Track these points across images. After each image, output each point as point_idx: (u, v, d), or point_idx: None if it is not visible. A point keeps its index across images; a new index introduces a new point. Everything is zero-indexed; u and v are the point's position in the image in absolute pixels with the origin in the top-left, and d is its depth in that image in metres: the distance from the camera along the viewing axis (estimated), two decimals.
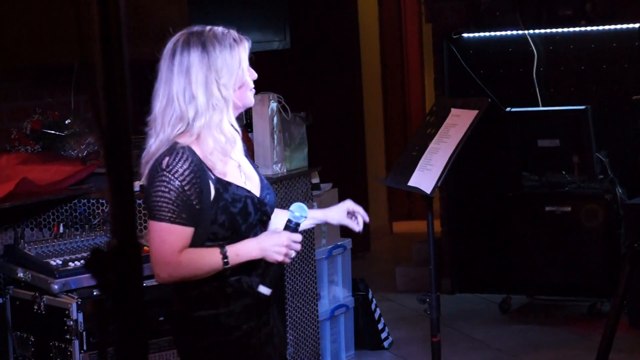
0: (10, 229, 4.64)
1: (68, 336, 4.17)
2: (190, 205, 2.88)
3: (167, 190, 2.87)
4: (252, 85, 3.04)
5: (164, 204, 2.87)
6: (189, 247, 2.91)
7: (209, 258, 2.90)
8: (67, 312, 4.17)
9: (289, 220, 2.99)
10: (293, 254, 2.97)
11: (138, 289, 1.53)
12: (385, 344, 6.02)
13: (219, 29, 2.99)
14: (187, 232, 2.89)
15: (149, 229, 2.94)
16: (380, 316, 6.04)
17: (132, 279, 1.52)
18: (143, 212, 4.31)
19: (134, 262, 1.53)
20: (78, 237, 4.52)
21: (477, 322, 6.43)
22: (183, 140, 2.92)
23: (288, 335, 5.24)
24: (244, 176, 3.04)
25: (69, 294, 4.20)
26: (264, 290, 2.95)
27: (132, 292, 1.53)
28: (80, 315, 4.15)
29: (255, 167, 3.15)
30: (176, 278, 2.92)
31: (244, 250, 2.92)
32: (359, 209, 3.24)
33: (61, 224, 4.60)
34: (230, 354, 2.98)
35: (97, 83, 1.49)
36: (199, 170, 2.90)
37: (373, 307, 6.00)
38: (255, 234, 2.99)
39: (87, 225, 4.60)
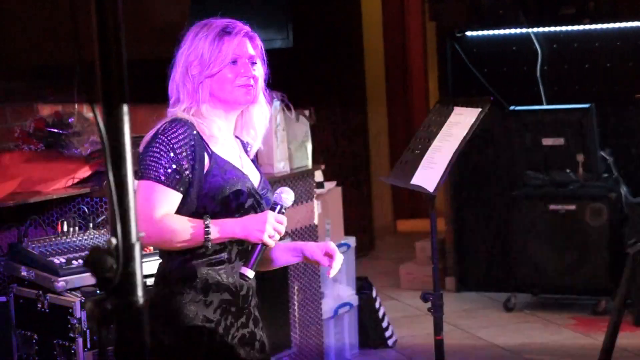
0: (13, 227, 4.64)
1: (72, 334, 4.17)
2: (180, 171, 2.88)
3: (158, 151, 2.87)
4: (240, 82, 2.97)
5: (154, 164, 2.87)
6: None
7: (191, 227, 2.85)
8: (70, 310, 4.17)
9: (275, 203, 2.95)
10: (277, 236, 2.92)
11: (138, 287, 1.53)
12: (390, 342, 6.02)
13: (222, 21, 3.01)
14: (172, 195, 2.87)
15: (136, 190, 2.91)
16: (384, 314, 6.03)
17: (132, 277, 1.53)
18: None
19: (133, 261, 1.53)
20: (81, 236, 4.52)
21: (481, 321, 6.43)
22: (184, 116, 2.96)
23: (292, 334, 5.24)
24: (245, 167, 3.04)
25: (73, 292, 4.21)
26: (247, 272, 2.91)
27: (132, 291, 1.53)
28: (84, 314, 4.15)
29: (259, 170, 3.15)
30: (154, 240, 2.87)
31: (227, 227, 2.88)
32: (335, 254, 3.02)
33: (64, 223, 4.60)
34: (201, 346, 2.95)
35: (96, 83, 1.49)
36: (195, 140, 2.91)
37: (377, 305, 6.00)
38: (244, 215, 2.97)
39: (90, 224, 4.61)
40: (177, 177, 2.87)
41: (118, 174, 1.52)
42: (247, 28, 3.03)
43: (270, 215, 2.90)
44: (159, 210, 2.85)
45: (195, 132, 2.92)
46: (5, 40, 4.97)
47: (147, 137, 2.97)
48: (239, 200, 2.95)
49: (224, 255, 2.97)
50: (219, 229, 2.87)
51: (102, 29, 1.45)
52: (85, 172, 4.76)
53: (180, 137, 2.89)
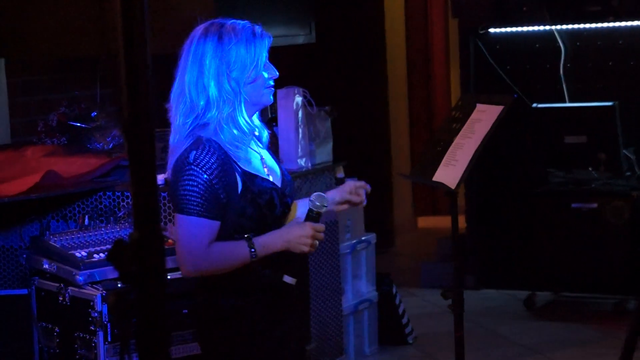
0: (36, 220, 4.66)
1: (92, 327, 4.19)
2: (217, 199, 2.87)
3: (195, 184, 2.85)
4: (271, 84, 3.01)
5: (193, 198, 2.85)
6: (216, 241, 2.91)
7: (237, 251, 2.89)
8: (91, 303, 4.19)
9: (310, 210, 2.99)
10: (317, 244, 2.96)
11: (160, 281, 1.54)
12: (409, 339, 6.01)
13: (241, 22, 2.98)
14: (214, 225, 2.88)
15: (175, 223, 2.92)
16: (404, 311, 6.03)
17: (154, 271, 1.53)
18: (168, 205, 4.32)
19: (156, 255, 1.53)
20: (103, 229, 4.54)
21: (501, 319, 6.41)
22: (205, 133, 2.91)
23: (312, 329, 5.24)
24: (267, 169, 3.05)
25: (94, 285, 4.23)
26: (289, 279, 2.96)
27: (154, 284, 1.53)
28: (105, 307, 4.17)
29: (277, 160, 3.15)
30: (203, 271, 2.92)
31: (269, 242, 2.92)
32: (360, 185, 3.19)
33: (86, 216, 4.62)
34: (254, 345, 2.98)
35: (120, 76, 1.50)
36: (225, 163, 2.89)
37: (397, 301, 5.99)
38: (279, 227, 3.00)
39: (112, 218, 4.63)
40: (216, 206, 2.87)
41: (141, 167, 1.52)
42: (260, 27, 3.03)
43: (311, 228, 2.94)
44: (206, 244, 2.86)
45: (222, 152, 2.89)
46: (28, 34, 4.99)
47: (174, 159, 2.91)
48: (273, 213, 2.98)
49: (269, 260, 2.97)
50: (263, 245, 2.91)
51: (127, 22, 1.45)
52: (107, 166, 4.77)
53: (214, 166, 2.87)
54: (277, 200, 2.98)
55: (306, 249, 2.93)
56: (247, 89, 2.95)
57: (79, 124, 5.12)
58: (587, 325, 6.23)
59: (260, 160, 3.04)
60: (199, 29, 2.98)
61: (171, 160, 2.94)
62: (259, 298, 2.98)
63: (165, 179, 3.01)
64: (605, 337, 5.97)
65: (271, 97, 3.04)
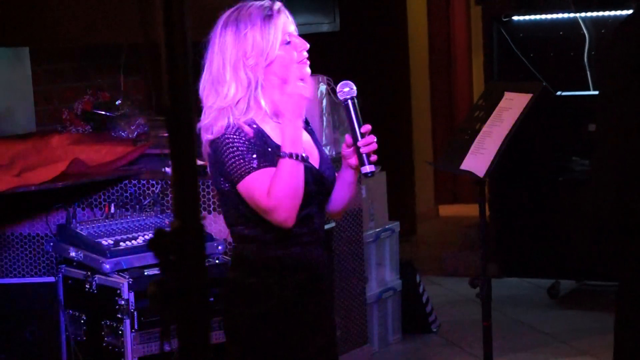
0: (62, 209, 4.69)
1: (119, 315, 4.21)
2: (263, 150, 2.91)
3: (235, 147, 2.89)
4: (301, 58, 2.99)
5: (239, 161, 2.88)
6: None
7: (285, 170, 2.87)
8: (118, 291, 4.20)
9: (344, 100, 2.98)
10: (306, 62, 2.95)
11: (200, 268, 1.54)
12: (433, 327, 6.01)
13: (257, 4, 2.99)
14: (268, 171, 2.89)
15: (242, 194, 2.92)
16: (427, 299, 6.02)
17: (195, 259, 1.53)
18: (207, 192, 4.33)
19: (196, 243, 1.53)
20: (129, 218, 4.56)
21: (525, 307, 6.40)
22: (236, 114, 2.94)
23: (336, 318, 5.24)
24: (305, 149, 3.03)
25: (120, 273, 4.24)
26: (369, 168, 2.95)
27: (195, 273, 1.53)
28: (132, 295, 4.18)
29: (317, 142, 3.14)
30: (287, 208, 2.87)
31: (289, 133, 2.90)
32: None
33: (112, 205, 4.64)
34: (279, 325, 2.97)
35: (161, 64, 1.50)
36: (258, 134, 2.93)
37: (421, 290, 5.99)
38: (312, 210, 2.99)
39: (137, 206, 4.64)
40: (262, 155, 2.91)
41: (181, 155, 1.52)
42: (279, 3, 3.03)
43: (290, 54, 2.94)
44: (265, 192, 2.88)
45: (255, 126, 2.94)
46: (53, 23, 5.00)
47: (208, 141, 2.94)
48: (305, 190, 2.96)
49: (299, 238, 2.98)
50: (290, 142, 2.89)
51: (167, 12, 1.46)
52: (132, 154, 4.78)
53: (249, 135, 2.91)
54: (310, 178, 2.97)
55: (303, 87, 2.90)
56: (269, 69, 2.95)
57: (103, 112, 5.14)
58: (611, 313, 6.20)
59: None
60: (224, 16, 3.00)
61: (204, 137, 2.96)
62: (287, 279, 2.97)
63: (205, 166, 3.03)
64: None
65: (308, 70, 3.00)
